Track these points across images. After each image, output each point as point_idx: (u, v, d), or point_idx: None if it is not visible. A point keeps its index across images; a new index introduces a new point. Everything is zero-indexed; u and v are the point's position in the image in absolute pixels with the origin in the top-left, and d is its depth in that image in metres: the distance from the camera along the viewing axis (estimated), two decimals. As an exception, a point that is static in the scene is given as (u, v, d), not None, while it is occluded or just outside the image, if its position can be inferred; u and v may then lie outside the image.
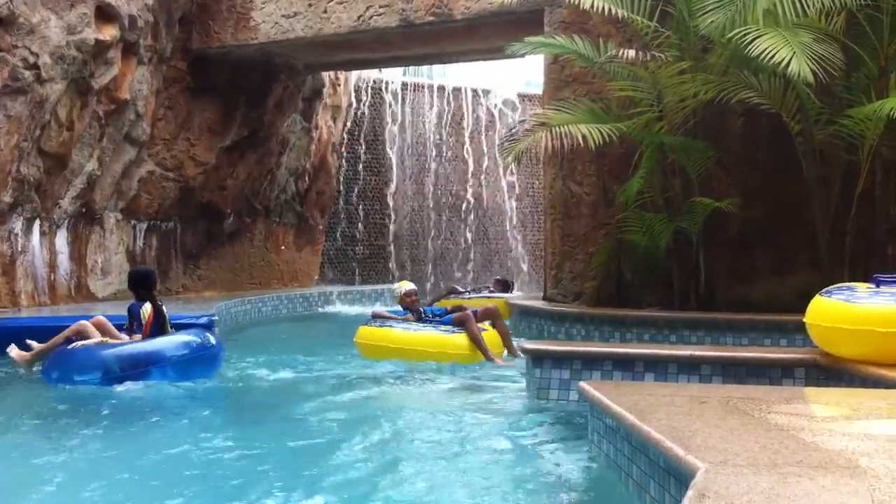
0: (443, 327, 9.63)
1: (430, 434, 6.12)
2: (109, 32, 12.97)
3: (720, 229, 10.98)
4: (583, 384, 5.10)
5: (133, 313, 8.44)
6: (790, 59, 8.81)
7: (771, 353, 6.90)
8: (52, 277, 13.37)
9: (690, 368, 6.41)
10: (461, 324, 9.56)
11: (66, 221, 13.64)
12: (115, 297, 14.52)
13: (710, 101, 10.42)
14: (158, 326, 8.41)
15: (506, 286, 16.37)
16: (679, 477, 3.30)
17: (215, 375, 8.53)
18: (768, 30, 9.17)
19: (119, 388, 7.71)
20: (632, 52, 10.28)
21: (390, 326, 9.80)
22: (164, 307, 8.63)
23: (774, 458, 3.11)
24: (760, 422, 3.85)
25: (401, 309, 10.38)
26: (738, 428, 3.69)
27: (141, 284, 8.63)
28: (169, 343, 8.22)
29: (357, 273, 21.25)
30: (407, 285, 10.47)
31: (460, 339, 9.48)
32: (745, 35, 9.18)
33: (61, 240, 13.57)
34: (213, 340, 8.54)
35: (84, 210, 13.94)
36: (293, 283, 19.04)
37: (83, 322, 8.57)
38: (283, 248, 18.93)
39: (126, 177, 14.67)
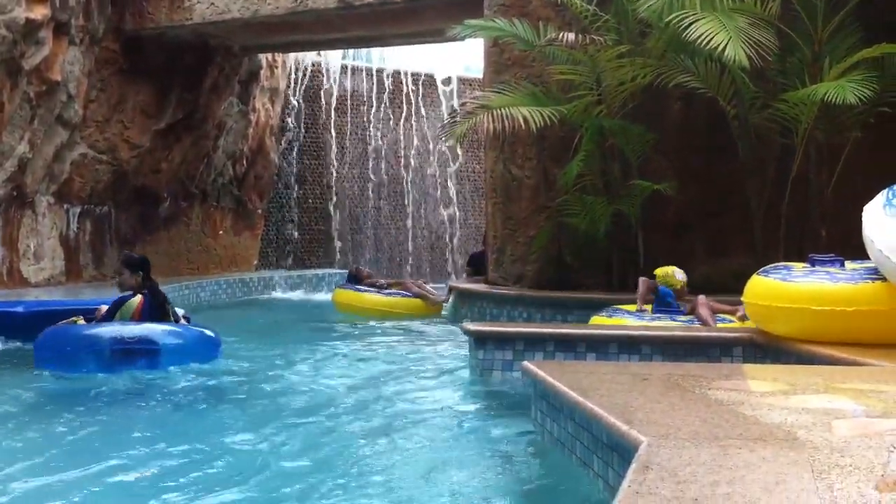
0: (681, 317, 8.57)
1: (371, 417, 6.10)
2: (40, 12, 12.66)
3: (658, 212, 11.10)
4: (525, 364, 5.12)
5: (114, 305, 8.00)
6: (726, 43, 8.92)
7: (709, 332, 7.01)
8: (-17, 262, 13.05)
9: (631, 348, 6.49)
10: (693, 312, 8.56)
11: (-3, 205, 13.31)
12: (48, 282, 14.22)
13: (649, 85, 10.51)
14: (154, 317, 8.00)
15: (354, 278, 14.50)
16: (622, 452, 3.33)
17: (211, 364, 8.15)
18: (705, 14, 9.28)
19: (106, 377, 7.36)
20: (571, 36, 10.31)
21: (623, 317, 8.62)
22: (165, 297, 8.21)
23: (715, 431, 3.15)
24: (701, 397, 3.90)
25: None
26: (678, 403, 3.73)
27: (147, 269, 8.25)
28: (163, 329, 7.92)
29: (297, 258, 21.08)
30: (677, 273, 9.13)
31: None
32: (682, 19, 9.27)
33: (-8, 224, 13.24)
34: (210, 332, 8.29)
35: (15, 194, 13.59)
36: (232, 268, 18.81)
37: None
38: (221, 232, 18.68)
39: (58, 160, 14.33)
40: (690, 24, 9.17)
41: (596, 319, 8.74)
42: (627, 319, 8.39)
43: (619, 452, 3.42)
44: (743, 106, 10.23)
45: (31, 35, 12.62)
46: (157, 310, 8.07)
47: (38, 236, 14.22)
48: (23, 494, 4.31)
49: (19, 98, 12.96)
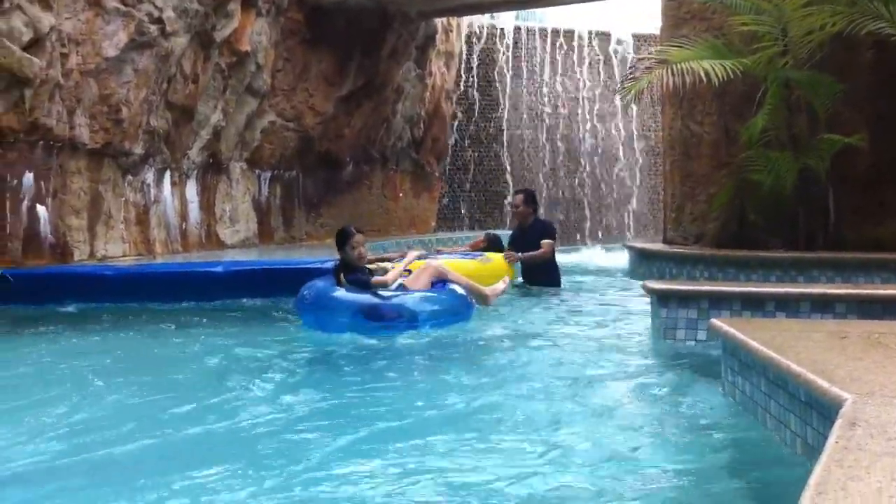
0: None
1: (555, 374, 6.14)
2: (229, -15, 13.25)
3: (848, 166, 10.65)
4: (714, 321, 5.08)
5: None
6: (925, -15, 8.45)
7: (909, 290, 6.72)
8: (184, 226, 13.89)
9: (824, 307, 6.28)
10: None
11: (195, 172, 14.13)
12: (243, 244, 15.03)
13: (838, 34, 10.05)
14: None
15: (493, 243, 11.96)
16: (822, 410, 3.29)
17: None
18: (902, -45, 8.80)
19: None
20: (755, -15, 10.00)
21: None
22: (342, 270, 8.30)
23: (924, 389, 3.08)
24: (905, 356, 3.80)
25: None
26: (882, 361, 3.65)
27: (339, 242, 8.50)
28: (420, 297, 8.12)
29: (472, 219, 21.39)
30: None
31: None
32: (876, -38, 8.83)
33: (191, 190, 14.07)
34: (462, 291, 8.48)
35: (211, 160, 14.40)
36: (411, 229, 19.31)
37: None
38: (400, 195, 19.19)
39: (249, 127, 15.06)
40: (885, -34, 8.73)
41: None
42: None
43: (818, 410, 3.39)
44: (943, 52, 9.67)
45: (221, 8, 13.24)
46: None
47: (233, 200, 15.03)
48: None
49: (212, 69, 13.65)
